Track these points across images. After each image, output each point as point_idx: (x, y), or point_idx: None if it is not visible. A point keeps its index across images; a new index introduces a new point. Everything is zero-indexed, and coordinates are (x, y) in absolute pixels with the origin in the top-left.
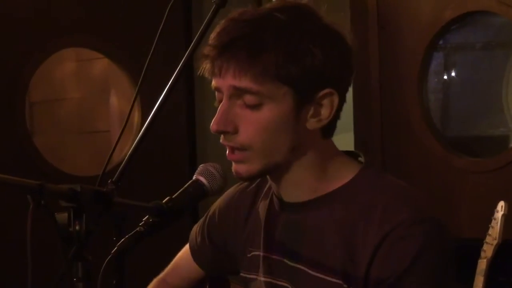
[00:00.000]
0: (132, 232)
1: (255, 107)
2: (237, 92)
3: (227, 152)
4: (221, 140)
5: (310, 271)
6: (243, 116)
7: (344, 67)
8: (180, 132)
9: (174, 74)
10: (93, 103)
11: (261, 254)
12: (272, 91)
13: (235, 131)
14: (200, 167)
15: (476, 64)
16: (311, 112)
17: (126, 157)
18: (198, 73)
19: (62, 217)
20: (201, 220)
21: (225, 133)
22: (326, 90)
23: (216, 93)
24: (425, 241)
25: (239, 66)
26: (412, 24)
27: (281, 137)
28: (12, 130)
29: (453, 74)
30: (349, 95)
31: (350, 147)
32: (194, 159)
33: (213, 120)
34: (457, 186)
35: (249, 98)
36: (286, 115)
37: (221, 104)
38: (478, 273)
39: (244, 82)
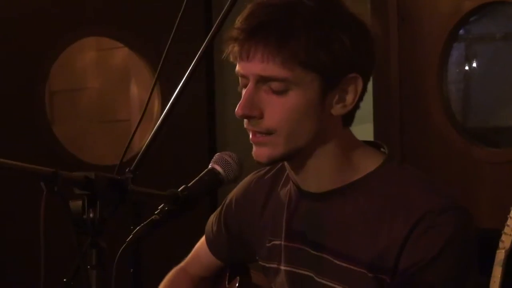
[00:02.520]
0: (148, 220)
1: (281, 92)
2: (264, 79)
3: (251, 134)
4: (245, 125)
5: (334, 260)
6: (269, 101)
7: (368, 54)
8: (200, 121)
9: (193, 62)
10: (113, 92)
11: (282, 243)
12: (299, 77)
13: (261, 116)
14: (216, 155)
15: (497, 54)
16: (336, 98)
17: (144, 146)
18: (222, 57)
19: (76, 204)
20: (218, 209)
21: (250, 117)
22: (352, 75)
23: (240, 78)
24: (455, 229)
25: (267, 50)
26: (432, 15)
27: (306, 122)
28: (32, 119)
29: (474, 65)
30: (369, 85)
31: (370, 137)
32: (213, 149)
33: (238, 105)
34: (477, 177)
35: (275, 85)
36: (312, 101)
37: (246, 89)
38: (496, 263)
39: (272, 68)
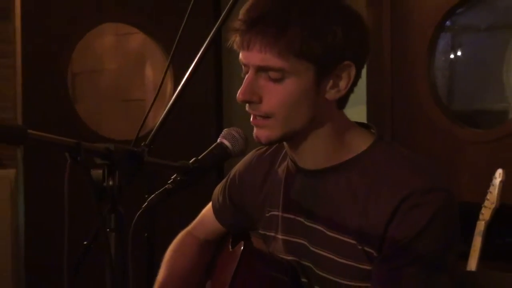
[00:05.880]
0: (161, 189)
1: (278, 80)
2: (262, 68)
3: (251, 117)
4: (246, 108)
5: (326, 231)
6: (267, 88)
7: (362, 44)
8: (209, 100)
9: (203, 47)
10: (130, 74)
11: (280, 214)
12: (295, 66)
13: (259, 101)
14: (224, 131)
15: (480, 44)
16: (330, 84)
17: (158, 123)
18: (228, 45)
19: (97, 173)
20: (223, 182)
21: (250, 102)
22: (345, 63)
23: (243, 65)
24: (438, 207)
25: (265, 40)
26: (421, 6)
27: (302, 108)
28: (57, 98)
29: (459, 53)
30: (363, 71)
31: (363, 118)
32: (220, 125)
33: (239, 91)
34: (460, 155)
35: (273, 73)
36: (307, 88)
37: (247, 76)
38: (477, 234)
39: (269, 58)
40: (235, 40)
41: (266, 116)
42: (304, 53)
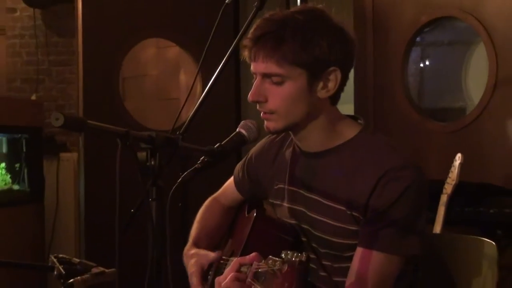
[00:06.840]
0: (192, 168)
1: (279, 83)
2: (266, 75)
3: (261, 113)
4: (257, 107)
5: (322, 200)
6: (271, 90)
7: (346, 53)
8: (229, 98)
9: (225, 57)
10: (168, 78)
11: (286, 187)
12: (290, 72)
13: (265, 101)
14: (242, 122)
15: (444, 56)
16: (321, 85)
17: (190, 116)
18: (241, 58)
19: (142, 155)
20: (242, 161)
21: (258, 102)
22: (332, 68)
23: (253, 74)
24: (411, 181)
25: (266, 52)
26: (397, 26)
27: (299, 104)
28: (110, 97)
29: (427, 63)
30: (351, 75)
31: (351, 113)
32: (239, 117)
33: (249, 93)
34: (428, 142)
35: (275, 78)
36: (302, 89)
37: (255, 82)
38: (441, 204)
39: (270, 66)
40: (245, 54)
41: (271, 112)
42: (296, 62)
